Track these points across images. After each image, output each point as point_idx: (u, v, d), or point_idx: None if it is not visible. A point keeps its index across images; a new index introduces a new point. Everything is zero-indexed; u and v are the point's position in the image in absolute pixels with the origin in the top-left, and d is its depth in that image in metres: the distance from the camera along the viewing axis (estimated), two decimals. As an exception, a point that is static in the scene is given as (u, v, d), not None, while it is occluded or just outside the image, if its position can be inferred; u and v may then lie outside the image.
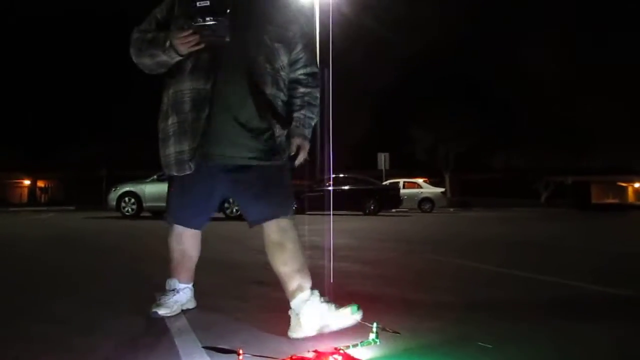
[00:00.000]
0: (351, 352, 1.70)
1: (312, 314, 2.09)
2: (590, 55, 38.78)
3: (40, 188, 43.03)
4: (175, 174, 2.26)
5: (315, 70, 2.41)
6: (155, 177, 14.13)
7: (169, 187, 2.42)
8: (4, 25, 33.37)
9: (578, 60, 36.27)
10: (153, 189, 13.80)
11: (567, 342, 2.11)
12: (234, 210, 13.05)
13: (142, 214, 14.02)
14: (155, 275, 3.85)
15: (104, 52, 34.50)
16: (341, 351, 1.63)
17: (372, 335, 1.88)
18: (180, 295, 2.45)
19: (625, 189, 46.39)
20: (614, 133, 35.77)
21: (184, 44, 2.10)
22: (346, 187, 17.71)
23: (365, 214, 17.08)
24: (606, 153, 37.16)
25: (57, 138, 35.59)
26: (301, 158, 2.36)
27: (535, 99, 37.71)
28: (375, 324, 1.90)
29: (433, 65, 40.16)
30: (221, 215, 13.22)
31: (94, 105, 34.69)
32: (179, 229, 2.42)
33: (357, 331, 2.02)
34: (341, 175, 18.43)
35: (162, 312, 2.35)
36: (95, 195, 27.50)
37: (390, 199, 18.61)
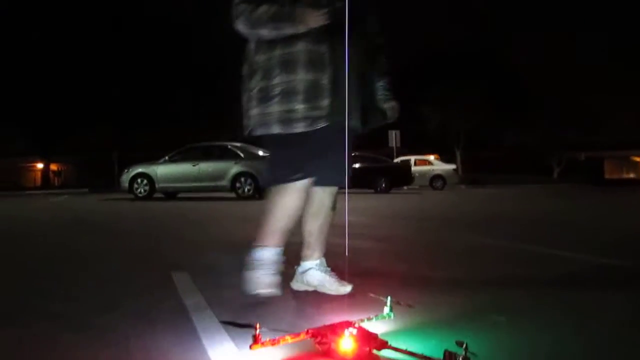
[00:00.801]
0: (365, 325, 1.71)
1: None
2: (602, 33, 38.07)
3: (54, 171, 43.48)
4: (282, 132, 2.27)
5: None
6: (167, 157, 14.20)
7: (277, 146, 2.37)
8: (18, 12, 33.38)
9: (589, 38, 35.67)
10: (165, 170, 13.87)
11: (579, 314, 2.11)
12: (246, 190, 13.08)
13: (154, 195, 14.11)
14: (170, 255, 3.91)
15: (118, 34, 34.51)
16: (356, 325, 1.64)
17: (386, 309, 1.90)
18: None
19: (638, 163, 45.91)
20: (626, 107, 35.26)
21: (317, 21, 2.19)
22: (357, 165, 17.65)
23: (377, 192, 17.07)
24: (619, 128, 36.67)
25: (70, 121, 35.78)
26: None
27: (545, 74, 37.20)
28: (389, 298, 1.92)
29: (443, 42, 39.73)
30: (232, 195, 13.29)
31: (106, 89, 34.73)
32: (302, 184, 2.35)
33: (371, 305, 2.04)
34: (352, 154, 18.32)
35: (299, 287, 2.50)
36: (108, 178, 27.74)
37: (402, 177, 18.59)
